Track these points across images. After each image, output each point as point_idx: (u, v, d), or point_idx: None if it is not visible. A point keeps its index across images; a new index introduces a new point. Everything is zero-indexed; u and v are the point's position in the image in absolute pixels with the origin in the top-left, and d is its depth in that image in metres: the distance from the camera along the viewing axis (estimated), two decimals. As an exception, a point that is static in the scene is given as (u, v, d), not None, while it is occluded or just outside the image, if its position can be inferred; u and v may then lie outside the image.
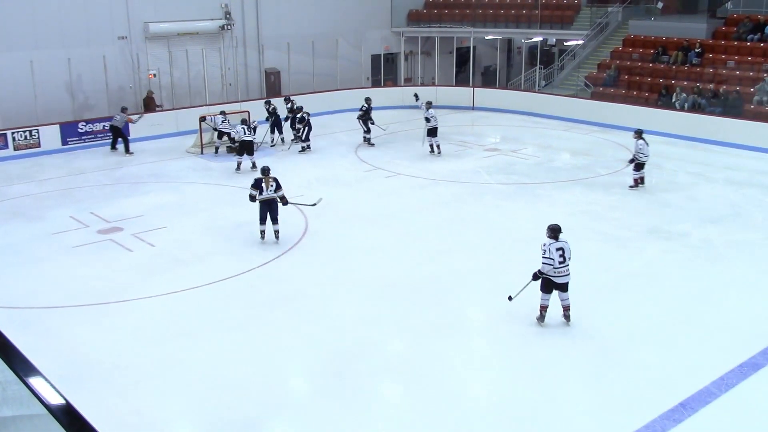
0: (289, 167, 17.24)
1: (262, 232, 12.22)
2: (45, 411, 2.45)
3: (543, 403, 7.53)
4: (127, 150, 19.13)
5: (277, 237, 12.26)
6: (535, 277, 9.09)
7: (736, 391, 7.69)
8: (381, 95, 25.64)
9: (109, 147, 19.40)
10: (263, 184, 11.94)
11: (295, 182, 16.05)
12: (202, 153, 19.01)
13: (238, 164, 17.11)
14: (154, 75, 22.92)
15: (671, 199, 14.71)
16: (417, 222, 13.49)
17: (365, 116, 19.82)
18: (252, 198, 12.04)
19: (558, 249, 9.01)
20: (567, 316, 9.29)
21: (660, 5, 26.31)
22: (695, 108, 20.63)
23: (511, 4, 28.24)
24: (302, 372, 8.38)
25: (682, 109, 20.83)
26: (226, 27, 24.16)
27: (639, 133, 15.12)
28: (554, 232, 9.13)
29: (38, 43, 20.49)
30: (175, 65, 22.46)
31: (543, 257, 8.97)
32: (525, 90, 26.13)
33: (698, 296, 10.19)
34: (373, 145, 19.78)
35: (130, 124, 19.50)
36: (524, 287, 9.21)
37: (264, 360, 8.49)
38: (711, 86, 21.18)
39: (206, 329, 9.26)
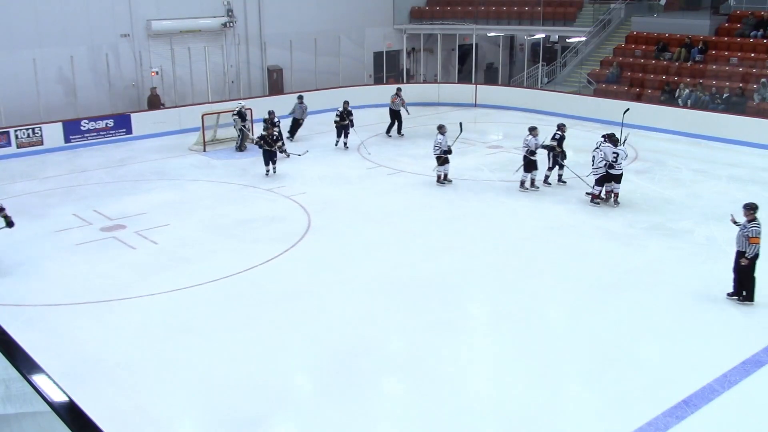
0: (291, 164, 17.23)
1: None
2: (48, 408, 2.46)
3: (545, 401, 7.53)
4: (399, 131, 20.58)
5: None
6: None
7: (739, 388, 7.68)
8: (383, 93, 25.64)
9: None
10: None
11: (298, 180, 16.07)
12: (204, 150, 19.03)
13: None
14: (157, 72, 22.93)
15: (674, 196, 14.69)
16: (419, 219, 13.49)
17: (558, 145, 15.22)
18: None
19: (613, 153, 13.46)
20: (616, 202, 13.73)
21: (663, 2, 26.25)
22: (698, 105, 20.59)
23: (514, 1, 28.19)
24: (305, 369, 8.38)
25: (685, 105, 20.79)
26: (228, 24, 24.16)
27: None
28: (611, 139, 13.73)
29: (41, 41, 20.50)
30: (177, 63, 22.46)
31: (610, 157, 13.43)
32: (527, 87, 26.09)
33: (701, 293, 10.16)
34: (564, 183, 15.49)
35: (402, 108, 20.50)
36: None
37: (267, 357, 8.49)
38: (714, 83, 21.14)
39: (209, 327, 9.27)
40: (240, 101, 20.19)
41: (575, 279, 10.61)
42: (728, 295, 9.78)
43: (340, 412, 7.38)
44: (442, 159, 15.39)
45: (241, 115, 18.95)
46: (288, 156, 15.90)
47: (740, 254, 9.49)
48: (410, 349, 8.76)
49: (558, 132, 15.22)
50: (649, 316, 9.45)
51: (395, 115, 20.55)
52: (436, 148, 15.29)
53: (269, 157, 16.15)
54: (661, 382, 7.81)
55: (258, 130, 19.79)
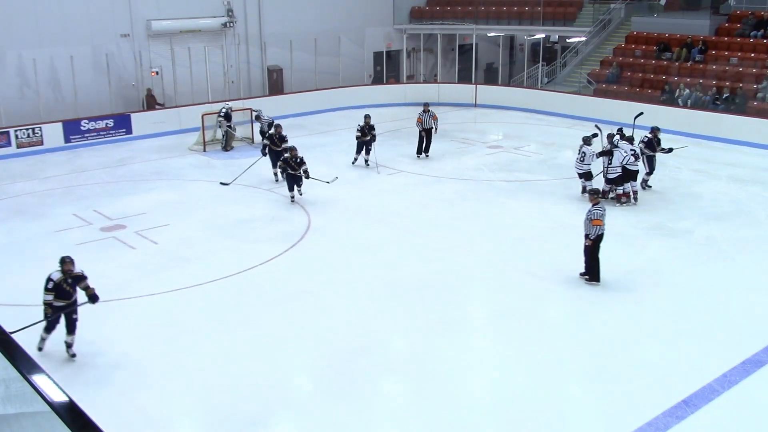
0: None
1: None
2: (48, 408, 2.46)
3: (545, 400, 7.53)
4: (427, 150, 18.09)
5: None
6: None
7: (738, 388, 7.68)
8: (383, 93, 25.68)
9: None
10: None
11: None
12: (204, 150, 19.04)
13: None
14: (157, 72, 22.93)
15: (674, 196, 14.68)
16: (420, 219, 13.49)
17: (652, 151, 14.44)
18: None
19: (631, 149, 13.52)
20: (635, 199, 13.76)
21: (663, 2, 26.23)
22: (698, 105, 20.58)
23: (514, 1, 28.19)
24: (305, 369, 8.38)
25: (685, 105, 20.78)
26: (228, 24, 24.16)
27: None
28: (626, 137, 13.90)
29: (41, 41, 20.50)
30: (177, 63, 22.46)
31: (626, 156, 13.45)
32: (527, 87, 26.09)
33: (701, 293, 10.16)
34: (649, 187, 14.70)
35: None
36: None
37: (267, 358, 8.49)
38: (714, 83, 21.15)
39: (209, 327, 9.27)
40: (226, 102, 20.20)
41: (575, 279, 10.60)
42: (580, 275, 10.44)
43: (340, 413, 7.38)
44: (589, 174, 14.14)
45: (227, 116, 19.01)
46: (308, 177, 14.39)
47: (586, 236, 10.17)
48: (410, 349, 8.76)
49: (648, 135, 14.65)
50: (649, 316, 9.45)
51: (425, 134, 18.00)
52: (587, 161, 13.97)
53: (293, 182, 14.34)
54: (661, 382, 7.81)
55: (244, 130, 19.90)
